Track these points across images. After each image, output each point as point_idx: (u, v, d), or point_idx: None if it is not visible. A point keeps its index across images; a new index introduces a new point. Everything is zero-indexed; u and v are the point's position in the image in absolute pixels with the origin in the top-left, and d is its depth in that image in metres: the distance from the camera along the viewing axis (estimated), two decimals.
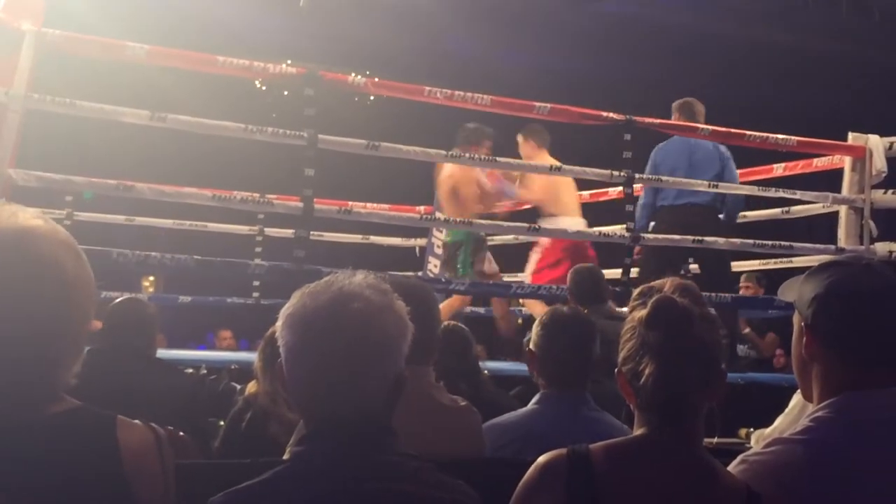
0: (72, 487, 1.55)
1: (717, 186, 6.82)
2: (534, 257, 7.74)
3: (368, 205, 8.75)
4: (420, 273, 8.44)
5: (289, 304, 1.78)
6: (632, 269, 6.43)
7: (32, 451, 1.54)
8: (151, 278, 12.08)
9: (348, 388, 1.71)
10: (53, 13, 5.35)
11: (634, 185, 6.51)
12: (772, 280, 8.41)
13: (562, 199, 7.64)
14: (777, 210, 7.56)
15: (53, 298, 1.61)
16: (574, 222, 7.55)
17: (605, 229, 7.18)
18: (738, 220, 7.67)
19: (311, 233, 5.84)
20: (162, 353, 5.06)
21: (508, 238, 8.81)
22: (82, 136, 9.16)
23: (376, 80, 6.77)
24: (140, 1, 10.26)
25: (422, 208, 9.40)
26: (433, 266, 9.10)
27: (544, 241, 7.60)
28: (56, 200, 8.38)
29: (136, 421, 1.69)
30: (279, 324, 1.78)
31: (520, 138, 7.89)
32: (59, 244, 1.64)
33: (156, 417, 1.77)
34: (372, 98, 11.55)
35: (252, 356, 4.57)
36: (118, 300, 4.83)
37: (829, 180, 7.49)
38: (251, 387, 3.98)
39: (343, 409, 1.71)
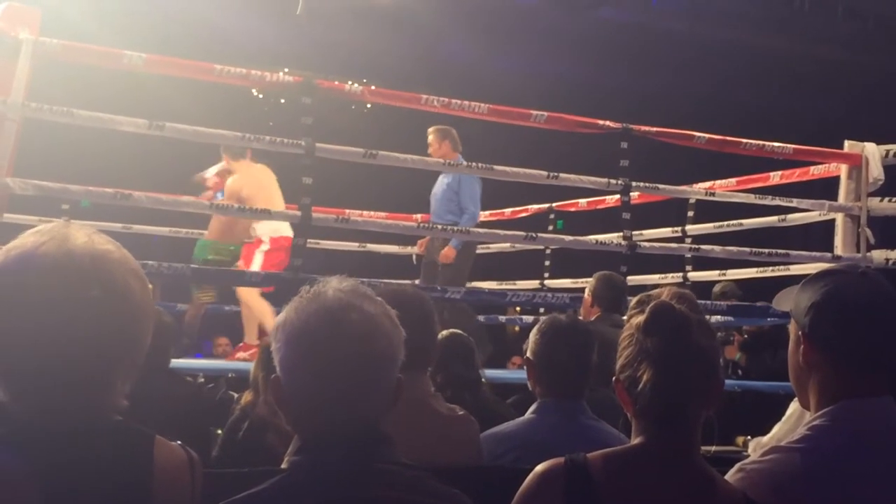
0: (102, 495, 1.58)
1: (713, 194, 6.85)
2: (259, 257, 7.34)
3: (365, 213, 8.77)
4: (417, 281, 8.44)
5: (281, 316, 1.76)
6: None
7: (72, 457, 1.58)
8: (150, 286, 12.06)
9: (349, 400, 1.70)
10: (50, 22, 5.35)
11: (631, 194, 6.52)
12: (768, 288, 8.41)
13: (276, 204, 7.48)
14: (774, 218, 7.56)
15: (121, 324, 1.65)
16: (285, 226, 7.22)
17: (601, 237, 7.18)
18: (735, 228, 7.69)
19: (308, 241, 5.84)
20: None
21: (504, 246, 8.84)
22: (78, 145, 9.14)
23: (373, 88, 6.78)
24: (137, 10, 10.26)
25: (419, 216, 9.40)
26: None
27: (266, 240, 7.30)
28: (52, 209, 8.38)
29: (176, 443, 1.73)
30: (273, 339, 1.76)
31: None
32: (129, 272, 1.68)
33: (156, 424, 1.78)
34: (369, 106, 11.55)
35: (250, 365, 4.56)
36: None
37: (825, 188, 7.51)
38: (246, 396, 3.97)
39: (343, 421, 1.70)
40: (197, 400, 4.77)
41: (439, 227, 7.62)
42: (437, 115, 6.45)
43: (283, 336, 1.73)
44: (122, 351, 1.67)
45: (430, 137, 7.94)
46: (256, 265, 7.17)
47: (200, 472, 1.73)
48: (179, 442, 1.74)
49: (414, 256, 9.91)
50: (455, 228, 7.33)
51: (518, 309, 10.38)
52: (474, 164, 6.34)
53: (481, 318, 8.97)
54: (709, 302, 6.46)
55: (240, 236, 7.62)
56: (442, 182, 8.11)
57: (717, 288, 8.29)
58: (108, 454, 1.61)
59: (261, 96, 12.61)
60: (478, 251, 8.69)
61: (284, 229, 6.97)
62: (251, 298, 7.39)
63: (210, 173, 7.54)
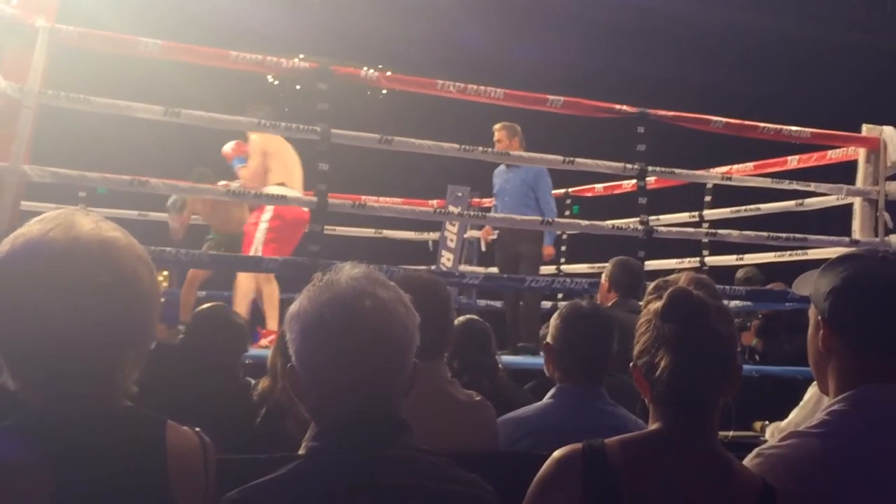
0: (116, 481, 1.58)
1: (730, 179, 6.84)
2: (261, 232, 7.26)
3: (381, 198, 8.77)
4: (433, 267, 8.44)
5: (295, 305, 1.75)
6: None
7: (81, 442, 1.58)
8: (165, 273, 12.10)
9: (367, 387, 1.70)
10: (66, 9, 5.36)
11: (648, 178, 6.50)
12: (786, 272, 8.39)
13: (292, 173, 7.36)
14: (791, 202, 7.54)
15: (129, 310, 1.66)
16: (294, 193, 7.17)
17: (618, 222, 7.17)
18: (753, 213, 7.67)
19: (325, 227, 5.85)
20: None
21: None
22: (94, 132, 9.17)
23: (388, 73, 6.77)
24: None
25: (434, 202, 9.41)
26: (446, 260, 9.12)
27: (267, 214, 7.15)
28: (69, 196, 8.42)
29: (185, 427, 1.73)
30: (287, 329, 1.75)
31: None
32: (136, 258, 1.68)
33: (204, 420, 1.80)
34: (385, 92, 11.55)
35: (266, 351, 4.55)
36: (208, 305, 4.65)
37: (843, 172, 7.47)
38: (263, 382, 3.96)
39: (361, 407, 1.70)
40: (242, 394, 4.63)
41: (454, 212, 7.59)
42: (452, 101, 6.43)
43: (297, 326, 1.73)
44: (131, 337, 1.68)
45: (499, 133, 7.86)
46: (258, 241, 7.09)
47: (213, 456, 1.74)
48: (198, 429, 1.75)
49: (430, 242, 9.93)
50: (474, 214, 7.31)
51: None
52: (490, 150, 6.32)
53: (498, 304, 8.98)
54: (727, 287, 6.43)
55: (237, 223, 7.60)
56: (513, 177, 7.97)
57: (740, 273, 8.28)
58: (122, 440, 1.62)
59: (276, 83, 12.62)
60: (494, 237, 8.71)
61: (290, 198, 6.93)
62: (268, 283, 7.38)
63: (228, 147, 7.44)
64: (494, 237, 8.77)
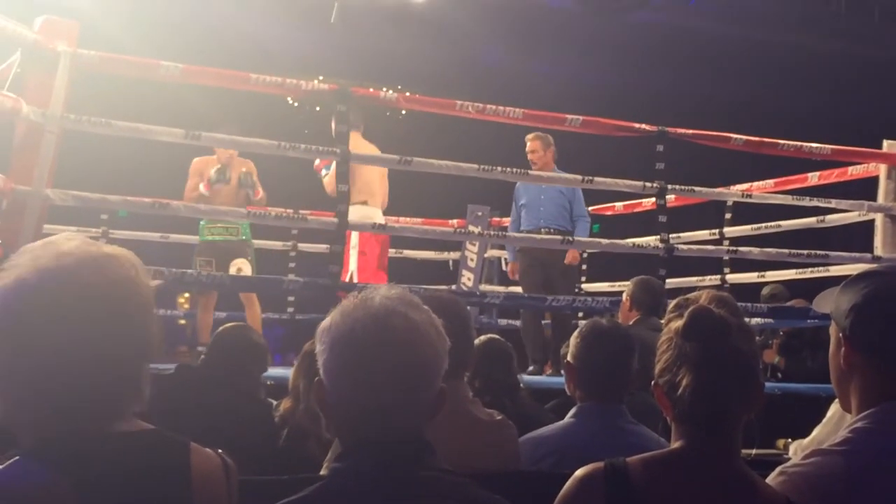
0: (138, 502, 1.58)
1: (750, 196, 6.83)
2: (354, 254, 7.43)
3: (401, 219, 8.78)
4: (454, 286, 8.44)
5: (327, 320, 1.75)
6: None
7: (105, 466, 1.57)
8: (186, 295, 12.16)
9: (395, 408, 1.69)
10: (85, 34, 5.39)
11: (668, 197, 6.49)
12: (808, 289, 8.37)
13: (372, 189, 7.51)
14: (812, 219, 7.50)
15: (133, 320, 1.66)
16: (377, 214, 7.44)
17: (638, 240, 7.15)
18: (773, 230, 7.65)
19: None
20: None
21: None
22: (116, 156, 9.23)
23: (407, 94, 6.79)
24: (171, 22, 10.35)
25: (455, 222, 9.42)
26: (467, 279, 9.12)
27: (363, 240, 7.43)
28: (91, 219, 8.47)
29: (208, 449, 1.74)
30: (318, 342, 1.75)
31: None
32: (134, 268, 1.69)
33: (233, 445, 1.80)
34: (404, 112, 11.58)
35: (286, 372, 4.56)
36: (229, 326, 4.67)
37: (864, 188, 7.45)
38: (285, 403, 3.97)
39: (387, 428, 1.69)
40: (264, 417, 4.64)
41: (475, 232, 7.60)
42: (472, 121, 6.44)
43: (327, 339, 1.73)
44: (139, 346, 1.68)
45: (533, 144, 7.78)
46: (353, 264, 7.28)
47: (236, 477, 1.74)
48: (220, 450, 1.75)
49: (451, 262, 9.91)
50: (494, 233, 7.31)
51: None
52: (509, 169, 6.33)
53: (518, 323, 8.96)
54: (748, 304, 6.41)
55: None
56: (551, 191, 7.90)
57: (765, 290, 8.27)
58: (147, 463, 1.62)
59: (296, 104, 12.67)
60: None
61: (377, 217, 7.07)
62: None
63: (317, 160, 7.44)
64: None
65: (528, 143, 7.78)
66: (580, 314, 8.64)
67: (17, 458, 1.55)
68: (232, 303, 8.56)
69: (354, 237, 7.26)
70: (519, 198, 8.04)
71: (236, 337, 4.43)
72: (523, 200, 7.98)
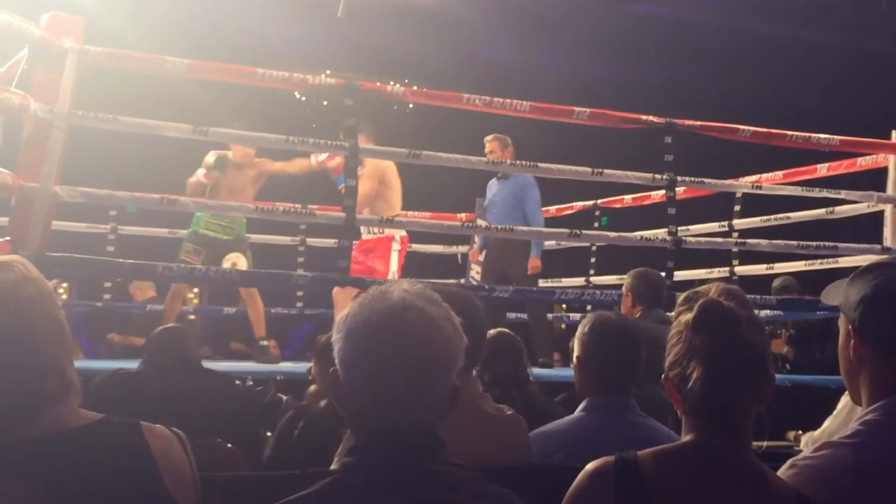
0: (113, 491, 1.64)
1: (760, 188, 6.82)
2: (396, 256, 7.63)
3: (410, 213, 8.78)
4: (462, 280, 8.44)
5: (345, 313, 1.76)
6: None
7: (72, 464, 1.63)
8: (196, 290, 12.17)
9: (407, 402, 1.70)
10: (89, 30, 5.39)
11: (677, 189, 6.48)
12: (817, 281, 8.35)
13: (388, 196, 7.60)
14: (821, 210, 7.49)
15: (58, 317, 1.77)
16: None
17: (646, 233, 7.15)
18: (783, 222, 7.65)
19: (354, 242, 5.86)
20: (208, 365, 5.08)
21: (550, 243, 8.80)
22: (123, 152, 9.23)
23: (414, 88, 6.78)
24: (176, 18, 10.33)
25: (463, 216, 9.41)
26: (475, 273, 9.11)
27: (399, 238, 7.61)
28: (99, 216, 8.48)
29: (157, 425, 1.81)
30: (335, 332, 1.76)
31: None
32: (23, 265, 1.79)
33: (208, 428, 1.82)
34: (411, 106, 11.57)
35: (297, 367, 4.59)
36: (158, 329, 4.92)
37: (873, 179, 7.43)
38: (312, 388, 4.01)
39: (399, 422, 1.70)
40: (246, 402, 4.80)
41: (482, 226, 7.61)
42: (479, 114, 6.43)
43: (344, 329, 1.74)
44: (66, 344, 1.77)
45: (491, 145, 7.94)
46: (395, 265, 7.44)
47: (189, 446, 1.81)
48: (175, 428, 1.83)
49: (459, 256, 9.92)
50: (497, 227, 7.30)
51: (564, 307, 10.37)
52: (519, 161, 6.32)
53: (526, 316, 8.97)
54: (757, 296, 6.40)
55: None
56: (501, 190, 8.09)
57: (776, 282, 8.26)
58: (109, 452, 1.68)
59: (303, 99, 12.67)
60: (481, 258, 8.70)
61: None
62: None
63: (334, 163, 7.43)
64: (482, 258, 8.72)
65: (487, 145, 7.98)
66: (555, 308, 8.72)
67: None
68: (236, 299, 8.58)
69: (397, 238, 7.47)
70: (486, 198, 8.38)
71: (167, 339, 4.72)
72: (486, 201, 8.34)
